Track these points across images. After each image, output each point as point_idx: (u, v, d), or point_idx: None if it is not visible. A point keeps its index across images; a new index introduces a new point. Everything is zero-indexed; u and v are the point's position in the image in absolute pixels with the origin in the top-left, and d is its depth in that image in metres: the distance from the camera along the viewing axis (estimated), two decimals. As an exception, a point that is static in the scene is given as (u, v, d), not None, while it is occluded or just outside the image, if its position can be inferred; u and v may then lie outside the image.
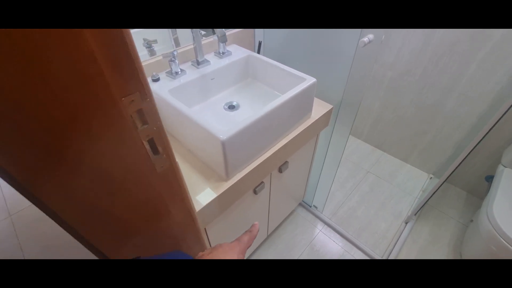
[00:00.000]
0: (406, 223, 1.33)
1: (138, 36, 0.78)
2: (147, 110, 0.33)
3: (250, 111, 0.82)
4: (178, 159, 0.72)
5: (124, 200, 0.39)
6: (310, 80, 0.76)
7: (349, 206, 1.42)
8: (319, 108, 0.89)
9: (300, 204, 1.41)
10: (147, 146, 0.36)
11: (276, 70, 0.84)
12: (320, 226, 1.33)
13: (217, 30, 0.67)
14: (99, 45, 0.26)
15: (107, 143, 0.32)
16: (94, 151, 0.31)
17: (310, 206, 1.38)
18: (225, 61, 0.86)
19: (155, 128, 0.35)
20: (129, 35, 0.28)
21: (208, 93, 0.85)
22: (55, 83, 0.25)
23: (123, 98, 0.30)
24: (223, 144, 0.58)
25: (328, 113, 0.91)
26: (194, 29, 0.76)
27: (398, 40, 1.31)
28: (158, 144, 0.37)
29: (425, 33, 1.22)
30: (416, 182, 1.54)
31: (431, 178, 1.56)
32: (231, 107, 0.84)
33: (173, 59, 0.75)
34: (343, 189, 1.50)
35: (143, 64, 0.75)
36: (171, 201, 0.47)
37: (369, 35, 0.72)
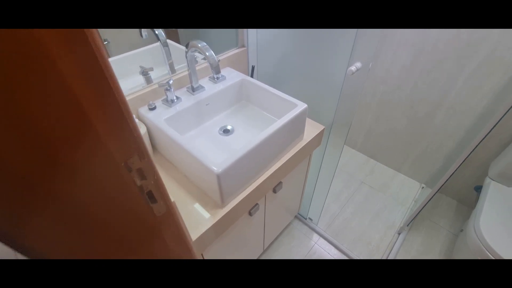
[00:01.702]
0: (399, 233, 1.36)
1: (135, 62, 0.80)
2: (145, 168, 0.36)
3: (245, 135, 0.85)
4: (175, 184, 0.74)
5: (123, 245, 0.42)
6: (301, 106, 0.79)
7: (344, 217, 1.45)
8: (311, 129, 0.92)
9: (295, 217, 1.44)
10: (146, 197, 0.39)
11: (269, 95, 0.87)
12: (315, 238, 1.36)
13: (211, 60, 0.69)
14: (95, 113, 0.28)
15: (105, 194, 0.34)
16: (93, 204, 0.34)
17: (305, 219, 1.41)
18: (220, 86, 0.88)
19: (152, 182, 0.38)
20: (123, 97, 0.30)
21: (203, 118, 0.87)
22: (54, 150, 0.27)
23: (122, 163, 0.33)
24: (218, 177, 0.61)
25: (320, 133, 0.94)
26: (188, 55, 0.78)
27: (388, 56, 1.35)
28: (156, 195, 0.40)
29: (414, 49, 1.26)
30: (409, 191, 1.58)
31: (423, 187, 1.60)
32: (226, 131, 0.86)
33: (168, 88, 0.78)
34: (338, 201, 1.53)
35: (140, 93, 0.77)
36: (170, 240, 0.49)
37: (356, 63, 0.76)
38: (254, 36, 0.99)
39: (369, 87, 1.52)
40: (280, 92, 0.84)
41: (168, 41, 0.85)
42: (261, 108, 0.93)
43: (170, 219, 0.46)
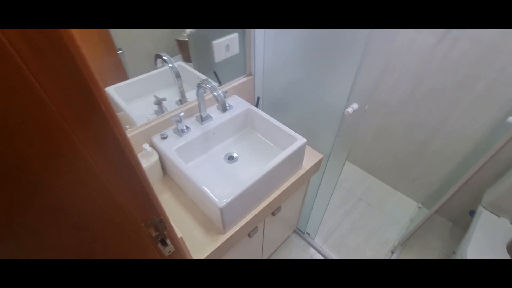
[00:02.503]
0: (392, 252, 1.42)
1: (149, 83, 0.88)
2: (160, 224, 0.43)
3: (249, 163, 0.92)
4: (182, 209, 0.82)
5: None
6: (301, 141, 0.86)
7: (340, 233, 1.51)
8: (310, 157, 0.98)
9: (293, 231, 1.51)
10: (159, 243, 0.46)
11: (272, 126, 0.93)
12: (312, 252, 1.43)
13: (219, 99, 0.76)
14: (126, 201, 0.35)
15: (126, 244, 0.42)
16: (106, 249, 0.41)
17: (303, 233, 1.48)
18: (227, 116, 0.95)
19: (165, 233, 0.45)
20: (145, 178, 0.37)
21: (210, 145, 0.94)
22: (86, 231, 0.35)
23: (143, 224, 0.40)
24: (221, 210, 0.68)
25: (319, 162, 1.00)
26: (199, 92, 0.85)
27: (390, 82, 1.40)
28: (168, 240, 0.47)
29: (415, 78, 1.30)
30: (405, 210, 1.63)
31: (419, 207, 1.64)
32: (231, 158, 0.94)
33: (179, 120, 0.85)
34: (335, 216, 1.59)
35: (153, 123, 0.84)
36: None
37: (353, 104, 0.81)
38: (261, 64, 1.05)
39: (370, 108, 1.57)
40: (282, 125, 0.91)
41: (181, 64, 0.93)
42: (264, 137, 1.00)
43: (177, 254, 0.53)
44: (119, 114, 0.93)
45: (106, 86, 0.87)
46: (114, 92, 0.90)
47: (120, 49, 0.88)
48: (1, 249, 0.27)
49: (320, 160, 1.00)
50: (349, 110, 0.80)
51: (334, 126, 0.90)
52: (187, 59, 0.99)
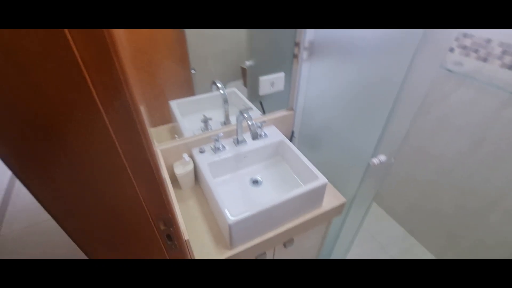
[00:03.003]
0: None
1: (202, 111, 1.04)
2: (169, 220, 0.53)
3: (270, 190, 0.98)
4: (201, 217, 0.90)
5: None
6: (322, 180, 0.88)
7: None
8: (332, 199, 0.99)
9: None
10: (165, 237, 0.55)
11: (299, 160, 0.98)
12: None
13: (251, 128, 0.86)
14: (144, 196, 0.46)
15: (140, 235, 0.52)
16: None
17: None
18: (260, 143, 1.04)
19: (171, 229, 0.55)
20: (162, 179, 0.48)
21: (239, 166, 1.04)
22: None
23: (154, 216, 0.50)
24: (230, 226, 0.75)
25: (341, 205, 0.99)
26: (239, 118, 0.97)
27: (444, 138, 1.31)
28: (173, 237, 0.56)
29: (474, 137, 1.19)
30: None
31: None
32: (255, 182, 1.01)
33: (217, 139, 0.98)
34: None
35: (196, 138, 0.97)
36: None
37: (380, 155, 0.81)
38: (302, 101, 1.13)
39: (419, 162, 1.47)
40: (308, 161, 0.95)
41: (235, 90, 1.07)
42: (291, 168, 1.05)
43: (179, 253, 0.62)
44: (173, 125, 1.11)
45: (173, 99, 1.06)
46: (176, 106, 1.08)
47: (193, 69, 1.07)
48: (44, 191, 0.37)
49: (343, 204, 0.99)
50: (375, 160, 0.80)
51: (359, 173, 0.90)
52: (246, 85, 1.15)
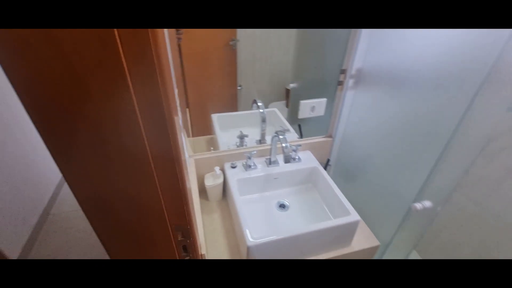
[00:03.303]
0: None
1: (239, 127, 1.07)
2: (187, 232, 0.53)
3: (296, 217, 0.93)
4: (223, 232, 0.90)
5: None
6: (354, 217, 0.81)
7: None
8: (364, 240, 0.90)
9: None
10: (181, 248, 0.55)
11: (331, 191, 0.93)
12: None
13: (285, 151, 0.84)
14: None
15: (157, 242, 0.53)
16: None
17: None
18: (292, 166, 1.01)
19: (188, 241, 0.54)
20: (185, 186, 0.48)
21: (268, 187, 1.02)
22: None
23: (174, 225, 0.51)
24: (249, 248, 0.73)
25: (373, 249, 0.90)
26: (273, 139, 0.96)
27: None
28: (188, 249, 0.56)
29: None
30: None
31: None
32: (282, 206, 0.97)
33: (249, 156, 0.98)
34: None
35: (230, 153, 0.98)
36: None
37: (425, 201, 0.72)
38: (342, 129, 1.08)
39: (476, 216, 1.27)
40: (341, 194, 0.89)
41: (275, 110, 1.09)
42: (321, 198, 0.99)
43: (194, 267, 0.61)
44: (211, 137, 1.15)
45: (217, 113, 1.11)
46: (216, 118, 1.13)
47: (240, 86, 1.12)
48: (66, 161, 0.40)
49: (375, 248, 0.89)
50: (418, 205, 0.72)
51: (398, 216, 0.81)
52: (288, 106, 1.15)
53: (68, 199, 2.02)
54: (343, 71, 0.95)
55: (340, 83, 0.97)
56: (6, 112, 1.62)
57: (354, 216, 0.81)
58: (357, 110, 0.99)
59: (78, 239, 1.71)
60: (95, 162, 0.38)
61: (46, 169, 1.94)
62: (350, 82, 0.96)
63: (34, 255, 1.61)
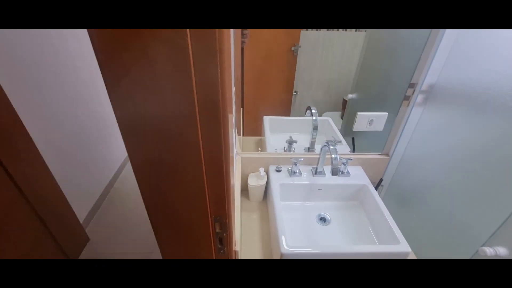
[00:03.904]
0: None
1: (290, 132, 1.06)
2: (224, 225, 0.54)
3: (337, 233, 0.88)
4: (258, 234, 0.90)
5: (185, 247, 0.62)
6: (404, 247, 0.73)
7: None
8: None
9: None
10: (217, 240, 0.57)
11: (381, 214, 0.85)
12: None
13: (334, 163, 0.80)
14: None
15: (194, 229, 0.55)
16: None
17: None
18: (339, 180, 0.96)
19: (225, 235, 0.56)
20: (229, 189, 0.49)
21: (310, 197, 0.98)
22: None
23: (213, 216, 0.52)
24: (282, 255, 0.71)
25: None
26: (323, 149, 0.93)
27: None
28: (224, 242, 0.57)
29: None
30: None
31: None
32: (322, 219, 0.93)
33: (296, 162, 0.96)
34: None
35: (277, 156, 0.99)
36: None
37: (498, 247, 0.61)
38: (402, 149, 0.98)
39: None
40: (392, 220, 0.80)
41: (329, 120, 1.06)
42: (368, 219, 0.91)
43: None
44: (261, 138, 1.16)
45: (271, 115, 1.13)
46: (268, 121, 1.14)
47: (295, 92, 1.12)
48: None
49: None
50: (488, 250, 0.60)
51: (465, 256, 0.69)
52: (343, 117, 1.11)
53: (129, 175, 2.28)
54: (412, 85, 0.86)
55: (407, 98, 0.88)
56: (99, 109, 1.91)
57: (404, 246, 0.73)
58: (423, 130, 0.89)
59: (134, 210, 1.92)
60: (151, 140, 0.41)
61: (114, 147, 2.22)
62: (418, 97, 0.86)
63: (96, 219, 1.85)
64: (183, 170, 0.44)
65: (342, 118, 1.16)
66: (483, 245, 0.62)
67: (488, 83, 0.65)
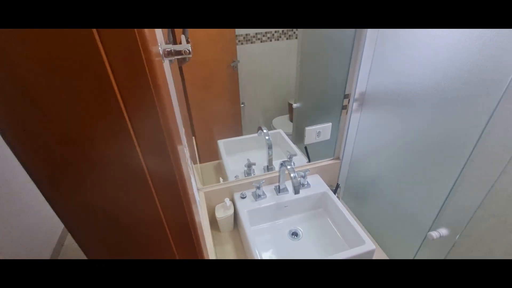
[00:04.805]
0: None
1: (247, 151, 1.07)
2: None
3: (310, 245, 0.92)
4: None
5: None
6: (368, 246, 0.79)
7: None
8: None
9: None
10: None
11: (343, 218, 0.91)
12: None
13: (294, 182, 0.84)
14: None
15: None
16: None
17: None
18: (302, 194, 1.00)
19: None
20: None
21: (279, 216, 1.01)
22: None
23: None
24: (264, 286, 0.72)
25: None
26: (281, 169, 0.96)
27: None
28: None
29: None
30: None
31: None
32: (294, 235, 0.96)
33: (258, 186, 0.98)
34: None
35: (239, 182, 0.97)
36: None
37: (441, 229, 0.71)
38: (350, 150, 1.07)
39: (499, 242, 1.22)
40: (354, 221, 0.87)
41: (280, 132, 1.11)
42: (334, 225, 0.98)
43: None
44: (219, 162, 1.15)
45: (222, 133, 1.12)
46: (222, 144, 1.14)
47: (243, 103, 1.14)
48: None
49: (393, 274, 0.87)
50: (434, 234, 0.70)
51: (415, 245, 0.79)
52: (292, 119, 1.16)
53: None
54: (346, 96, 0.95)
55: (344, 107, 0.97)
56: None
57: (368, 245, 0.80)
58: (364, 131, 0.99)
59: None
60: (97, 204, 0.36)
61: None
62: (354, 105, 0.96)
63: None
64: (138, 220, 0.40)
65: (291, 121, 1.22)
66: (429, 230, 0.72)
67: (408, 83, 0.74)
